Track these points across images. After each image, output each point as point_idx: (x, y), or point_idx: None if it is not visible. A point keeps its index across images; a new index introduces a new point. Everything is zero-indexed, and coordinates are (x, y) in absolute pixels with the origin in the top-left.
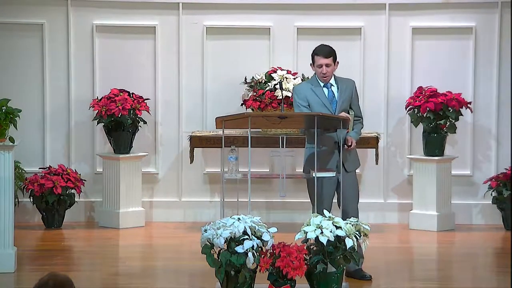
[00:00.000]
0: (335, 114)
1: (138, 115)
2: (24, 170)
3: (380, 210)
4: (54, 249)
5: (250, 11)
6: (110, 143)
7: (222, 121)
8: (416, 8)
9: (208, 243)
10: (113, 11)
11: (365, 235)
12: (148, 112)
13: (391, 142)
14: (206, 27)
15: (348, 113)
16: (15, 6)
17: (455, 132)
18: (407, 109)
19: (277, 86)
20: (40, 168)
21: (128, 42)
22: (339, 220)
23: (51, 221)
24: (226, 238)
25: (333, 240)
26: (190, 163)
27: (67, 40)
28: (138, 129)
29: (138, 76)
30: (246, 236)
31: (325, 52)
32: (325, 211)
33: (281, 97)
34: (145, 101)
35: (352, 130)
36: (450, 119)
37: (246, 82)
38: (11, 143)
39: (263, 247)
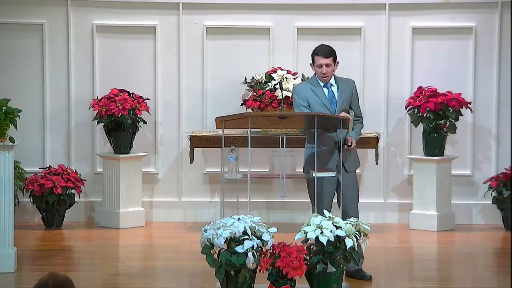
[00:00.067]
0: (335, 114)
1: (138, 115)
2: (24, 170)
3: (380, 210)
4: (54, 249)
5: (250, 11)
6: (110, 143)
7: (222, 121)
8: (416, 8)
9: (208, 243)
10: (113, 11)
11: (365, 235)
12: (148, 112)
13: (391, 142)
14: (206, 27)
15: (348, 113)
16: (15, 6)
17: (455, 132)
18: (407, 109)
19: (277, 86)
20: (40, 168)
21: (128, 42)
22: (339, 220)
23: (51, 221)
24: (226, 238)
25: (333, 240)
26: (190, 163)
27: (67, 40)
28: (138, 129)
29: (138, 76)
30: (246, 236)
31: (325, 52)
32: (325, 211)
33: (281, 97)
34: (145, 101)
35: (352, 130)
36: (450, 119)
37: (246, 82)
38: (11, 143)
39: (263, 247)
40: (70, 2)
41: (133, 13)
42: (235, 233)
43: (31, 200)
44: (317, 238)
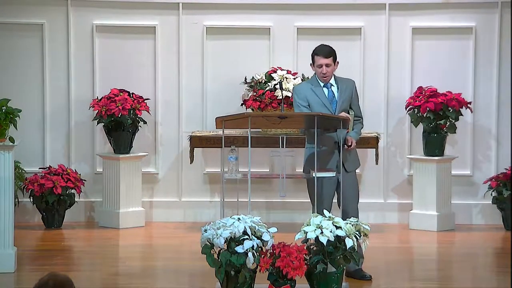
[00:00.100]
0: (335, 114)
1: (138, 115)
2: (24, 170)
3: (380, 210)
4: (54, 249)
5: (250, 11)
6: (110, 143)
7: (222, 121)
8: (416, 8)
9: (208, 243)
10: (113, 11)
11: (365, 235)
12: (148, 112)
13: (391, 142)
14: (206, 27)
15: (348, 113)
16: (15, 6)
17: (455, 132)
18: (407, 109)
19: (277, 86)
20: (40, 168)
21: (128, 42)
22: (339, 220)
23: (51, 221)
24: (226, 238)
25: (333, 240)
26: (190, 163)
27: (67, 40)
28: (138, 129)
29: (138, 76)
30: (246, 236)
31: (325, 52)
32: (325, 211)
33: (281, 97)
34: (145, 101)
35: (352, 130)
36: (450, 119)
37: (246, 82)
38: (11, 143)
39: (263, 247)
40: (70, 2)
41: (133, 13)
42: (235, 233)
43: (31, 200)
44: (317, 238)
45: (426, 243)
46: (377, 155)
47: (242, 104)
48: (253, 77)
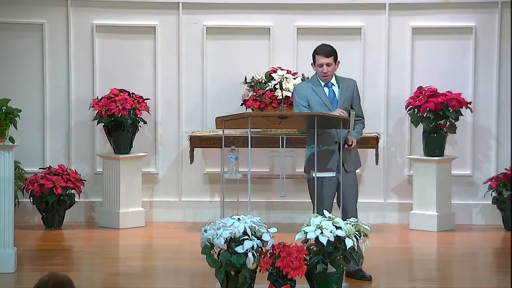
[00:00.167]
0: None
1: (138, 115)
2: (24, 170)
3: (380, 210)
4: (54, 249)
5: (250, 11)
6: (110, 143)
7: (222, 121)
8: (416, 8)
9: (208, 243)
10: (113, 11)
11: (365, 235)
12: (148, 112)
13: (391, 142)
14: (206, 27)
15: (349, 113)
16: (15, 6)
17: (455, 132)
18: (407, 109)
19: (277, 86)
20: (40, 168)
21: (128, 42)
22: (339, 220)
23: (51, 221)
24: (226, 238)
25: (333, 240)
26: (190, 163)
27: (67, 40)
28: (138, 129)
29: (138, 76)
30: (246, 236)
31: (326, 51)
32: (325, 211)
33: (281, 97)
34: (145, 101)
35: (353, 130)
36: (450, 119)
37: (246, 82)
38: (11, 143)
39: (263, 247)
40: (70, 2)
41: (133, 13)
42: (235, 233)
43: (31, 200)
44: (317, 238)
45: (426, 243)
46: (377, 155)
47: (242, 104)
48: (253, 77)
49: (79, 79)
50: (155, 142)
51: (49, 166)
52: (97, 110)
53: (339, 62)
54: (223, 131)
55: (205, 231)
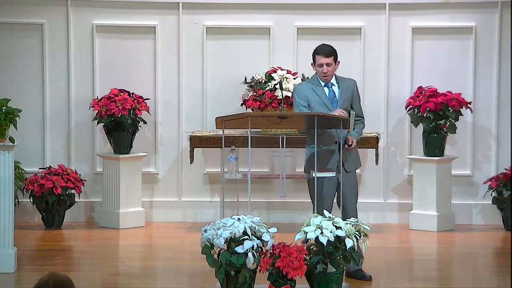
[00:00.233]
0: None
1: (138, 115)
2: (24, 170)
3: (380, 210)
4: (54, 249)
5: (250, 11)
6: (110, 143)
7: (222, 121)
8: (416, 8)
9: (208, 243)
10: (113, 11)
11: (365, 235)
12: (148, 112)
13: (391, 142)
14: (206, 27)
15: (349, 113)
16: (15, 6)
17: (455, 132)
18: (407, 109)
19: (277, 86)
20: (40, 168)
21: (128, 42)
22: (339, 220)
23: (51, 221)
24: (226, 238)
25: (333, 240)
26: (190, 163)
27: (67, 40)
28: (138, 129)
29: (138, 76)
30: (246, 236)
31: (326, 51)
32: (325, 211)
33: (281, 97)
34: (145, 101)
35: (353, 130)
36: (450, 119)
37: (246, 82)
38: (11, 143)
39: (263, 247)
40: (70, 2)
41: (133, 13)
42: (235, 233)
43: (31, 200)
44: (317, 238)
45: (426, 243)
46: (377, 155)
47: (242, 104)
48: (253, 77)
49: (79, 79)
50: (155, 142)
51: (49, 166)
52: (97, 110)
53: (339, 62)
54: (223, 131)
55: (205, 231)
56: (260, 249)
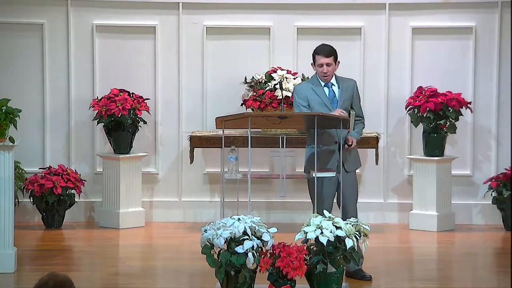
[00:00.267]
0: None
1: (138, 115)
2: (24, 170)
3: (380, 210)
4: (54, 249)
5: (250, 11)
6: (110, 143)
7: (222, 121)
8: (416, 8)
9: (208, 243)
10: (113, 11)
11: (365, 235)
12: (148, 112)
13: (391, 142)
14: (206, 27)
15: (350, 113)
16: (15, 6)
17: (455, 132)
18: (407, 109)
19: (277, 86)
20: (40, 168)
21: (128, 42)
22: (339, 220)
23: (51, 221)
24: (226, 238)
25: (333, 240)
26: (190, 163)
27: (67, 40)
28: (138, 129)
29: (138, 76)
30: (246, 236)
31: (326, 51)
32: (325, 211)
33: (281, 97)
34: (145, 101)
35: (353, 130)
36: (450, 119)
37: (246, 82)
38: (11, 143)
39: (263, 247)
40: (70, 2)
41: (133, 13)
42: (235, 233)
43: (31, 200)
44: (317, 238)
45: (426, 243)
46: (377, 155)
47: (242, 104)
48: (253, 77)
49: (79, 79)
50: (155, 142)
51: (49, 166)
52: (97, 110)
53: (339, 62)
54: (223, 131)
55: (205, 231)
56: (260, 249)
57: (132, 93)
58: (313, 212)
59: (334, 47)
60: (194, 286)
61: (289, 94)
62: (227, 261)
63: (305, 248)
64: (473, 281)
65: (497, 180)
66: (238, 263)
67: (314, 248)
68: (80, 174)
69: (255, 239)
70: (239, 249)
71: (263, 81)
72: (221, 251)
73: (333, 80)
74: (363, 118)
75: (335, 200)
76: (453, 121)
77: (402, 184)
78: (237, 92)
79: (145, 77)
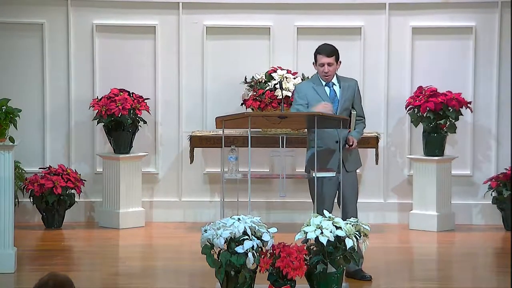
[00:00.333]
0: (337, 113)
1: (138, 115)
2: (24, 170)
3: (380, 210)
4: (54, 249)
5: (250, 11)
6: (110, 143)
7: (222, 121)
8: (416, 8)
9: (208, 243)
10: (113, 11)
11: (365, 235)
12: (148, 112)
13: (391, 142)
14: (206, 27)
15: (350, 112)
16: (15, 6)
17: (455, 132)
18: (407, 109)
19: (277, 86)
20: (40, 168)
21: (128, 42)
22: (339, 220)
23: (51, 221)
24: (226, 238)
25: (333, 240)
26: (190, 163)
27: (67, 40)
28: (138, 129)
29: (138, 76)
30: (246, 237)
31: (328, 51)
32: (325, 211)
33: (281, 97)
34: (145, 101)
35: (354, 130)
36: (450, 119)
37: (246, 82)
38: (11, 143)
39: (263, 247)
40: (70, 2)
41: (133, 13)
42: (235, 233)
43: (31, 200)
44: (317, 238)
45: (426, 243)
46: (377, 155)
47: (242, 104)
48: (253, 77)
49: (79, 79)
50: (155, 142)
51: (49, 166)
52: (97, 110)
53: (340, 62)
54: (223, 131)
55: (205, 231)
56: (260, 249)
57: (132, 93)
58: (314, 212)
59: (336, 47)
60: (194, 286)
61: (289, 94)
62: (227, 261)
63: (305, 248)
64: (473, 281)
65: (497, 180)
66: (238, 263)
67: (314, 248)
68: (80, 174)
69: (255, 239)
70: (239, 249)
71: (263, 81)
72: (221, 251)
73: (334, 80)
74: (364, 118)
75: (335, 200)
76: (453, 121)
77: (402, 184)
78: (237, 92)
79: (145, 77)
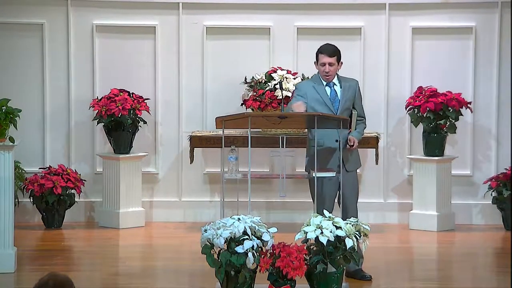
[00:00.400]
0: (337, 113)
1: (138, 115)
2: (24, 170)
3: (380, 210)
4: (54, 249)
5: (250, 11)
6: (110, 143)
7: (222, 121)
8: (416, 8)
9: (208, 243)
10: (113, 11)
11: (365, 235)
12: (148, 112)
13: (391, 142)
14: (206, 27)
15: (351, 112)
16: (15, 6)
17: (455, 132)
18: (407, 109)
19: (277, 86)
20: (40, 168)
21: (128, 42)
22: (339, 220)
23: (51, 221)
24: (226, 238)
25: (333, 240)
26: (190, 163)
27: (67, 40)
28: (138, 129)
29: (138, 76)
30: (246, 236)
31: (329, 51)
32: (325, 211)
33: (281, 97)
34: (145, 101)
35: (355, 130)
36: (450, 119)
37: (246, 82)
38: (11, 143)
39: (263, 247)
40: (70, 2)
41: (133, 13)
42: (235, 233)
43: (31, 200)
44: (317, 238)
45: (426, 243)
46: (377, 155)
47: (242, 104)
48: (253, 77)
49: (79, 79)
50: (155, 142)
51: (49, 166)
52: (97, 110)
53: (342, 63)
54: (223, 131)
55: (205, 231)
56: (260, 249)
57: (132, 93)
58: (314, 212)
59: (339, 48)
60: (194, 286)
61: (289, 94)
62: (227, 261)
63: (305, 248)
64: (473, 281)
65: (497, 180)
66: (238, 263)
67: (314, 248)
68: (80, 174)
69: (255, 239)
70: (239, 249)
71: (263, 81)
72: (221, 251)
73: (335, 80)
74: (365, 118)
75: (336, 200)
76: (453, 121)
77: (402, 184)
78: (237, 92)
79: (145, 77)
